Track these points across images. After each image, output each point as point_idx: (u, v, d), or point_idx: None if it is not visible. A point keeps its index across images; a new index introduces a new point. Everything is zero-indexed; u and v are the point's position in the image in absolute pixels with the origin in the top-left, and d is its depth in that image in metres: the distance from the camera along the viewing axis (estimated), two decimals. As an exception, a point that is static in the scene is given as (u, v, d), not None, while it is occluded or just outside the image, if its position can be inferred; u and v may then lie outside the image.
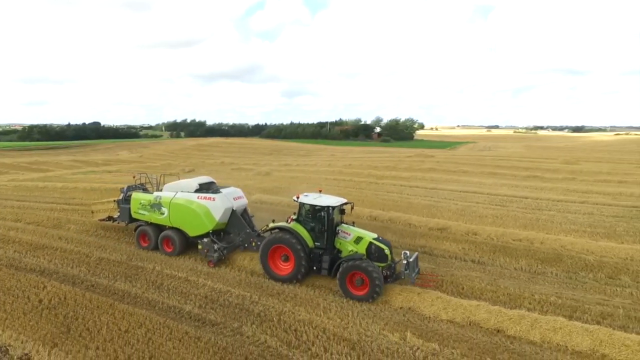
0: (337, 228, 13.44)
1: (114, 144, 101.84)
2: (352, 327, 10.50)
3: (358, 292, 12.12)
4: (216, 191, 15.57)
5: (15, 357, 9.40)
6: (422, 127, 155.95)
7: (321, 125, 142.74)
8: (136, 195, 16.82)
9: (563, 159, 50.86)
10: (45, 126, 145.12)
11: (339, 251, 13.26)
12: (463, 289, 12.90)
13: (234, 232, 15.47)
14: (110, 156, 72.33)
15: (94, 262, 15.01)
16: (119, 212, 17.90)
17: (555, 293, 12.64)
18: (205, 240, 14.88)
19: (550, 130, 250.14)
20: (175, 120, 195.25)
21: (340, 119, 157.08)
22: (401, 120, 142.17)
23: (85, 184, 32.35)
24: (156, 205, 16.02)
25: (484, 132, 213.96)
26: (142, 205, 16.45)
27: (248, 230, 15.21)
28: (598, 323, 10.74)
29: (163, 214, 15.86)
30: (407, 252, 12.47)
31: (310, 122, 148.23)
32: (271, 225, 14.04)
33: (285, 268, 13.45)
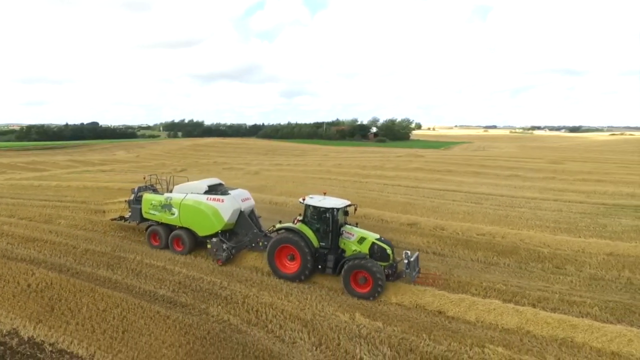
0: (341, 229, 13.85)
1: (111, 144, 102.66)
2: (308, 308, 11.66)
3: (361, 290, 12.56)
4: (225, 193, 15.95)
5: (4, 331, 10.64)
6: (419, 127, 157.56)
7: (318, 125, 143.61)
8: (147, 196, 17.26)
9: (549, 158, 51.88)
10: (43, 126, 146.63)
11: (343, 251, 13.77)
12: (418, 277, 13.96)
13: (242, 232, 15.90)
14: (107, 156, 73.29)
15: (80, 252, 16.13)
16: (130, 212, 18.34)
17: (502, 281, 13.72)
18: (214, 240, 15.20)
19: (547, 130, 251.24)
20: (173, 121, 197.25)
21: (337, 119, 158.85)
22: (397, 121, 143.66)
23: (79, 182, 33.32)
24: (167, 206, 16.45)
25: (481, 132, 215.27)
26: (153, 205, 16.88)
27: (255, 231, 15.65)
28: (533, 306, 11.79)
29: (173, 214, 16.28)
30: (408, 251, 12.95)
31: (307, 122, 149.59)
32: (278, 225, 14.56)
33: (291, 267, 13.86)
